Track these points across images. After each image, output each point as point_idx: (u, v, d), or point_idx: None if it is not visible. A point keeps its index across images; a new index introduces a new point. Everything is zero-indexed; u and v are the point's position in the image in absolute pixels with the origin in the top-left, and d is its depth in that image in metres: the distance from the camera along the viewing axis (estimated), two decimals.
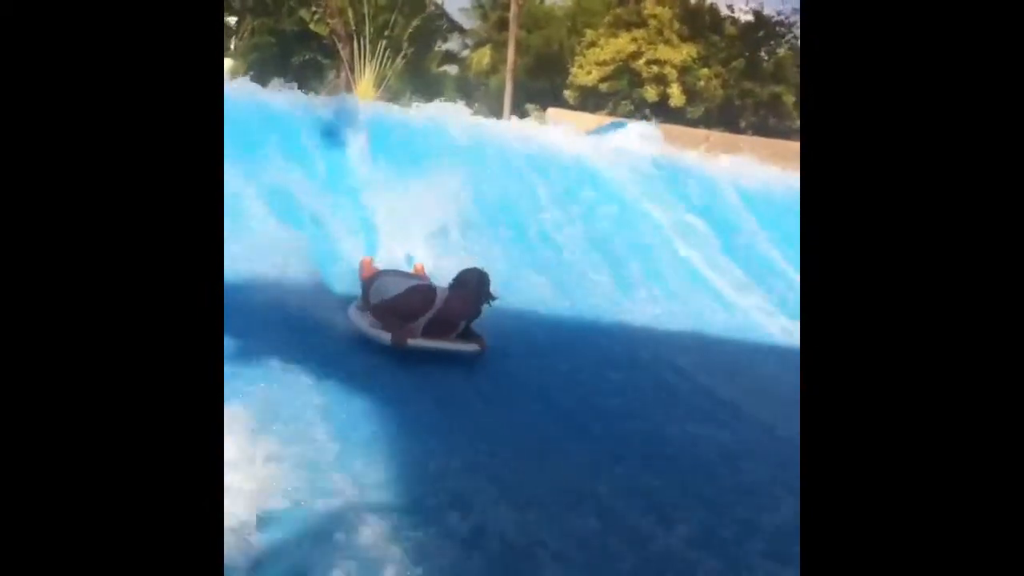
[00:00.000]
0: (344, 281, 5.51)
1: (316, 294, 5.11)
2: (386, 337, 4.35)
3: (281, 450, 3.17)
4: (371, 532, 2.79)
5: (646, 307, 6.49)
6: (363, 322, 4.53)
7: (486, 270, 4.58)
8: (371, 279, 4.92)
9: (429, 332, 4.49)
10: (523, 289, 6.08)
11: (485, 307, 4.54)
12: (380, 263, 5.51)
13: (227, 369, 3.63)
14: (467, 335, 4.65)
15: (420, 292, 4.55)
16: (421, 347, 4.39)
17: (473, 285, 4.48)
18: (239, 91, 7.62)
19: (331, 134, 7.45)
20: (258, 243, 5.35)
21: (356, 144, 7.41)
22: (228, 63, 25.76)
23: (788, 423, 2.74)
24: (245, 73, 23.86)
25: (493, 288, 4.50)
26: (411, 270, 5.54)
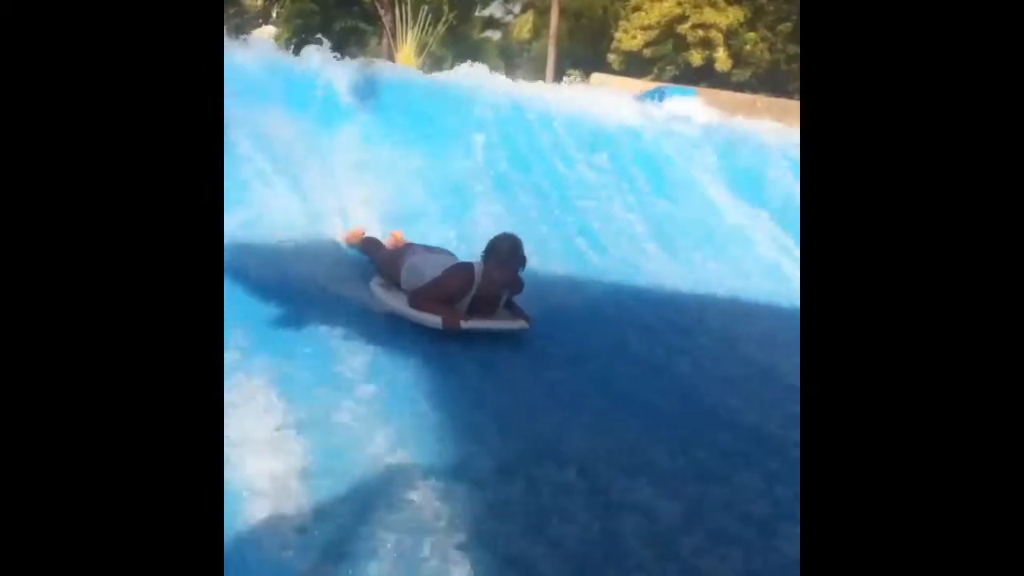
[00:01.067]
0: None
1: (332, 264, 5.02)
2: (436, 321, 4.20)
3: (321, 417, 3.19)
4: (418, 496, 2.79)
5: (693, 273, 6.38)
6: (401, 305, 4.38)
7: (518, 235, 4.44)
8: (396, 257, 4.79)
9: (473, 310, 4.39)
10: (564, 254, 6.00)
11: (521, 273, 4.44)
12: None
13: (250, 338, 3.70)
14: (512, 310, 4.55)
15: (459, 273, 4.39)
16: (476, 328, 4.26)
17: (506, 252, 4.32)
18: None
19: (355, 97, 7.37)
20: (264, 211, 5.29)
21: (375, 110, 7.31)
22: (271, 30, 25.88)
23: None
24: (289, 39, 24.02)
25: (528, 252, 4.38)
26: (388, 239, 5.40)
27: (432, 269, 4.44)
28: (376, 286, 4.67)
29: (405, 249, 4.87)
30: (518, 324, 4.45)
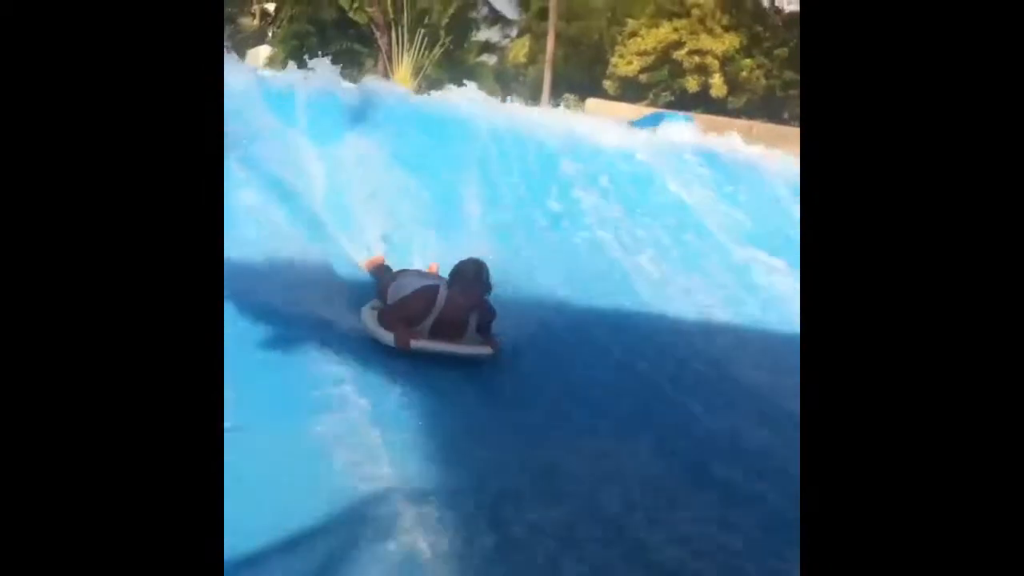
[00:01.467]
0: (355, 278, 5.37)
1: (327, 290, 4.96)
2: (389, 339, 4.23)
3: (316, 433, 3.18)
4: (408, 519, 2.77)
5: (684, 298, 6.30)
6: (372, 322, 4.40)
7: (493, 257, 4.57)
8: (388, 280, 4.88)
9: (437, 334, 4.39)
10: (557, 278, 5.93)
11: (489, 298, 4.46)
12: (392, 261, 5.46)
13: (251, 356, 3.63)
14: (484, 336, 4.53)
15: (422, 294, 4.44)
16: (427, 350, 4.26)
17: (471, 276, 4.35)
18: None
19: (347, 119, 7.32)
20: (262, 237, 5.19)
21: (369, 130, 7.26)
22: (266, 50, 25.96)
23: None
24: (283, 61, 24.04)
25: (502, 278, 4.43)
26: (426, 269, 5.45)
27: (407, 290, 4.51)
28: (367, 308, 4.67)
29: (398, 273, 4.96)
30: (480, 350, 4.42)
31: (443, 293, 4.40)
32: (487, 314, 4.54)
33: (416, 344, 4.23)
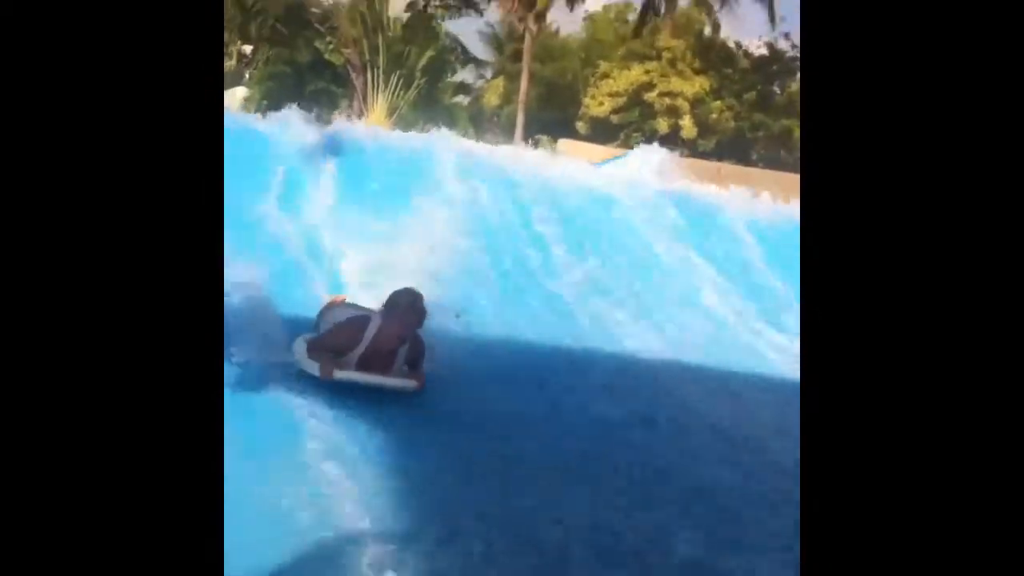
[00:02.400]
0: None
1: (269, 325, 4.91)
2: (315, 368, 4.26)
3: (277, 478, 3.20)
4: (369, 558, 2.80)
5: (650, 338, 6.40)
6: (301, 352, 4.42)
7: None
8: (324, 312, 4.90)
9: (365, 365, 4.39)
10: (522, 318, 6.01)
11: (427, 327, 4.49)
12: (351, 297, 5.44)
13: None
14: (412, 368, 4.54)
15: (349, 326, 4.47)
16: (350, 380, 4.27)
17: (403, 306, 4.36)
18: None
19: (314, 160, 7.41)
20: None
21: (330, 171, 7.35)
22: (242, 91, 26.05)
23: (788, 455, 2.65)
24: (260, 102, 24.14)
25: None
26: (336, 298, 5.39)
27: (336, 321, 4.57)
28: (299, 339, 4.60)
29: (337, 307, 4.97)
30: (405, 383, 4.40)
31: (374, 324, 4.41)
32: (417, 347, 4.54)
33: (340, 374, 4.24)
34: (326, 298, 5.54)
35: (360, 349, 4.38)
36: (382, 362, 4.40)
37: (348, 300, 5.38)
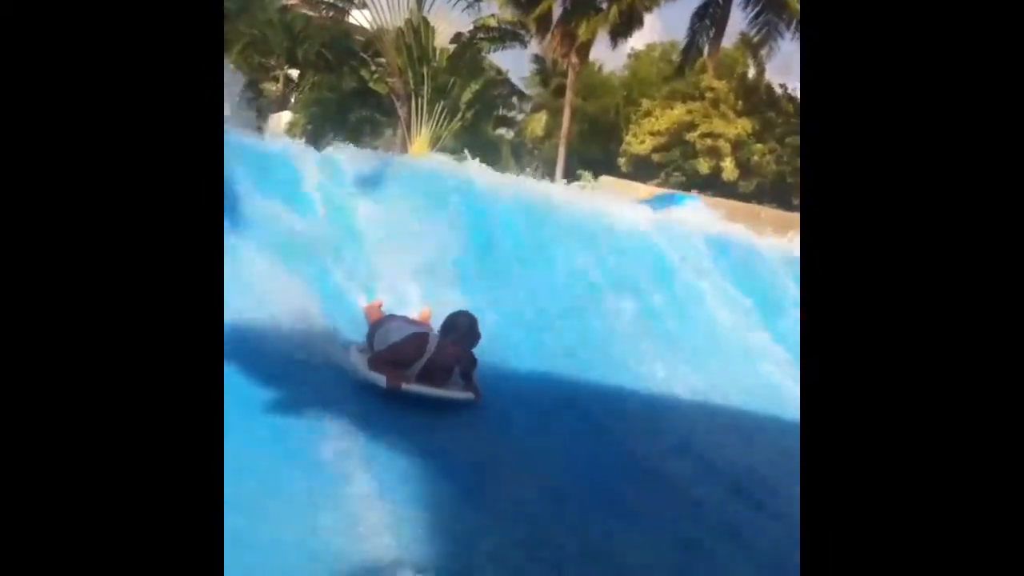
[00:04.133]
0: (353, 326, 5.46)
1: (324, 341, 5.08)
2: (381, 380, 4.50)
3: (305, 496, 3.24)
4: None
5: (687, 380, 6.33)
6: (362, 365, 4.65)
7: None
8: (376, 324, 5.05)
9: (424, 378, 4.65)
10: (561, 355, 5.99)
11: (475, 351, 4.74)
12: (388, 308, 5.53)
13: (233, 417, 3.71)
14: (467, 382, 4.84)
15: (414, 340, 4.69)
16: (415, 392, 4.53)
17: (464, 328, 4.73)
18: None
19: (362, 185, 7.47)
20: (260, 291, 5.28)
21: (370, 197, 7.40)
22: (287, 116, 26.44)
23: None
24: (304, 127, 24.46)
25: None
26: (417, 316, 5.54)
27: (397, 335, 4.71)
28: (354, 350, 4.88)
29: (387, 318, 5.10)
30: (464, 395, 4.75)
31: (433, 340, 4.69)
32: (470, 362, 4.83)
33: (406, 386, 4.50)
34: (363, 304, 5.68)
35: (421, 363, 4.62)
36: (441, 376, 4.69)
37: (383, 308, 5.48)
